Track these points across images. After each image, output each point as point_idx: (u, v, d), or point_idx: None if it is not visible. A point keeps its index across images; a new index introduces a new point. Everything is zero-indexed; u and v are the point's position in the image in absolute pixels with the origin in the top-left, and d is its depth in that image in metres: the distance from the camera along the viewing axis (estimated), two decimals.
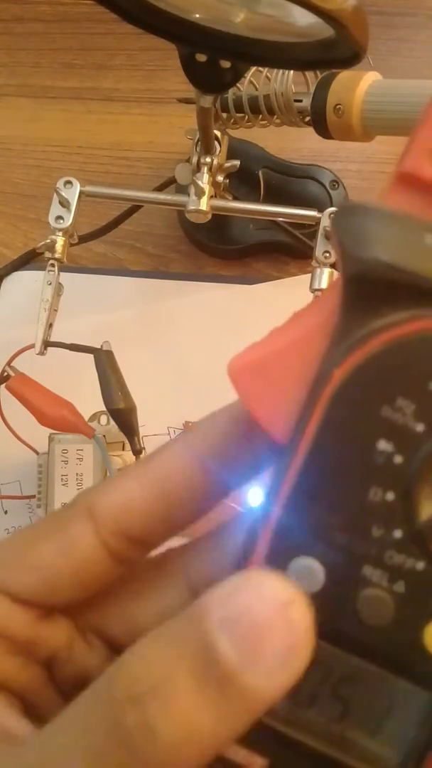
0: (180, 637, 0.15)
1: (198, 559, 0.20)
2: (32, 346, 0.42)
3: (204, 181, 0.43)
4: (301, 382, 0.17)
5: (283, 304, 0.52)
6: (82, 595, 0.19)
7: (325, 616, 0.16)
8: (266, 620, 0.15)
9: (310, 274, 0.42)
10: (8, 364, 0.43)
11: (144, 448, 0.46)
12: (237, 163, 0.46)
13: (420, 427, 0.16)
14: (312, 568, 0.17)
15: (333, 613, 0.17)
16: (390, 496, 0.16)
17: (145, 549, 0.20)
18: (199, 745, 0.15)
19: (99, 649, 0.20)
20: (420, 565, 0.16)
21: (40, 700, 0.19)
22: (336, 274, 0.43)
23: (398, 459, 0.16)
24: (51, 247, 0.43)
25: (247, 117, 0.46)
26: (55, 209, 0.43)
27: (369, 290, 0.16)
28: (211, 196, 0.43)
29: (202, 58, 0.33)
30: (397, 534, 0.16)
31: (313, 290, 0.42)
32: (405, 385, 0.16)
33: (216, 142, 0.44)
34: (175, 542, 0.20)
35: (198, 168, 0.43)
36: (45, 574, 0.18)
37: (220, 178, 0.45)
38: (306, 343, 0.17)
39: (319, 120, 0.42)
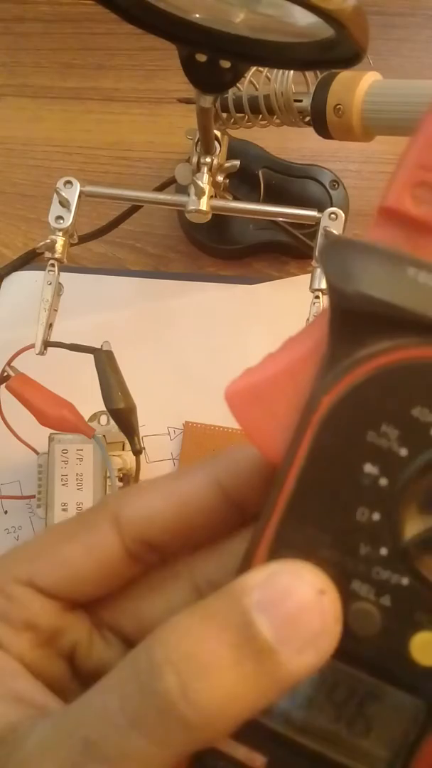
0: (218, 613, 0.17)
1: (204, 561, 0.21)
2: (32, 346, 0.42)
3: (204, 181, 0.43)
4: (293, 407, 0.18)
5: (283, 304, 0.52)
6: (102, 591, 0.21)
7: None
8: (303, 604, 0.16)
9: (310, 274, 0.42)
10: (8, 364, 0.43)
11: (144, 448, 0.46)
12: (237, 163, 0.46)
13: (404, 452, 0.17)
14: None
15: None
16: (376, 516, 0.17)
17: (163, 555, 0.21)
18: (232, 713, 0.16)
19: (115, 645, 0.21)
20: (405, 581, 0.17)
21: (65, 695, 0.20)
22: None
23: (383, 481, 0.17)
24: (51, 247, 0.43)
25: (247, 117, 0.46)
26: (55, 209, 0.43)
27: (354, 321, 0.17)
28: (211, 196, 0.43)
29: (202, 58, 0.33)
30: (383, 551, 0.17)
31: (313, 290, 0.42)
32: (389, 412, 0.17)
33: (216, 142, 0.44)
34: None
35: (198, 168, 0.43)
36: (71, 569, 0.20)
37: (220, 178, 0.45)
38: (297, 370, 0.18)
39: (319, 120, 0.42)
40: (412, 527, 0.17)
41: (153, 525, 0.20)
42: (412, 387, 0.17)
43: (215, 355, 0.50)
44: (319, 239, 0.42)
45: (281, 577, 0.17)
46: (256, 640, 0.16)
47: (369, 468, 0.17)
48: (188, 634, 0.16)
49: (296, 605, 0.16)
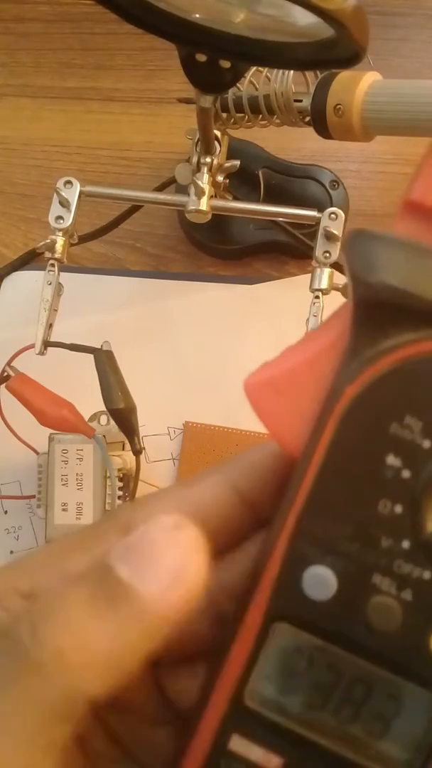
0: (83, 573, 0.17)
1: (219, 569, 0.20)
2: (32, 346, 0.42)
3: (204, 181, 0.43)
4: (314, 399, 0.18)
5: (283, 304, 0.52)
6: None
7: (337, 622, 0.17)
8: (156, 541, 0.16)
9: (310, 274, 0.42)
10: (8, 364, 0.43)
11: (144, 448, 0.46)
12: (237, 163, 0.46)
13: (427, 444, 0.17)
14: (325, 576, 0.18)
15: (345, 619, 0.17)
16: (398, 508, 0.17)
17: None
18: (92, 653, 0.16)
19: None
20: (427, 575, 0.17)
21: None
22: (336, 275, 0.43)
23: (406, 473, 0.17)
24: (51, 247, 0.43)
25: (247, 117, 0.46)
26: (55, 209, 0.43)
27: (378, 312, 0.17)
28: (211, 196, 0.43)
29: (202, 58, 0.33)
30: (405, 544, 0.17)
31: (313, 290, 0.42)
32: (413, 404, 0.17)
33: (216, 142, 0.44)
34: None
35: (198, 168, 0.43)
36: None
37: (220, 178, 0.45)
38: (318, 362, 0.18)
39: (319, 120, 0.42)
40: None
41: None
42: None
43: (215, 355, 0.50)
44: (319, 239, 0.42)
45: (139, 528, 0.17)
46: (111, 580, 0.16)
47: (392, 460, 0.17)
48: (51, 594, 0.16)
49: (149, 543, 0.16)
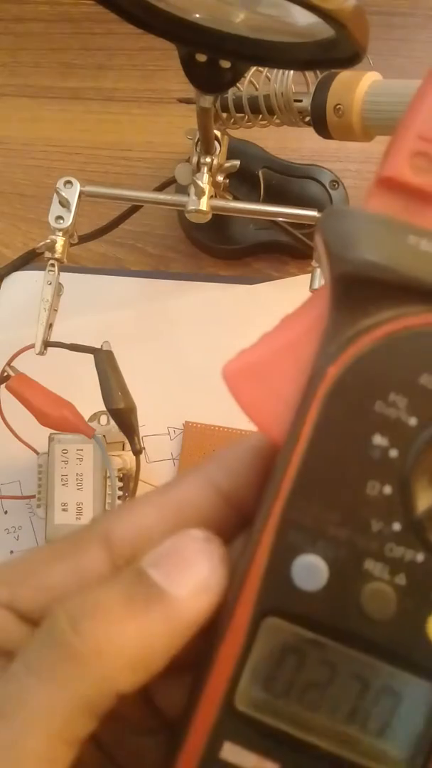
0: (116, 577, 0.18)
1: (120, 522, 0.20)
2: (32, 346, 0.42)
3: (204, 181, 0.43)
4: (295, 382, 0.17)
5: (283, 304, 0.52)
6: None
7: (330, 613, 0.17)
8: (189, 551, 0.18)
9: (310, 274, 0.42)
10: (8, 364, 0.43)
11: (144, 448, 0.46)
12: (237, 163, 0.46)
13: (413, 421, 0.16)
14: (315, 565, 0.17)
15: (338, 609, 0.17)
16: (387, 489, 0.17)
17: None
18: (127, 650, 0.16)
19: None
20: (420, 557, 0.16)
21: None
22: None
23: (393, 453, 0.17)
24: (51, 247, 0.43)
25: (247, 117, 0.46)
26: (55, 209, 0.43)
27: (356, 289, 0.17)
28: (211, 196, 0.43)
29: (202, 58, 0.33)
30: (396, 527, 0.17)
31: (313, 290, 0.42)
32: (396, 381, 0.17)
33: (216, 142, 0.44)
34: None
35: (198, 168, 0.43)
36: (55, 593, 0.19)
37: (220, 178, 0.45)
38: (297, 345, 0.18)
39: (319, 120, 0.42)
40: (425, 499, 0.17)
41: (147, 540, 0.19)
42: (420, 355, 0.17)
43: (215, 355, 0.50)
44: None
45: (170, 539, 0.18)
46: (146, 583, 0.17)
47: (378, 439, 0.17)
48: (86, 593, 0.17)
49: (183, 552, 0.17)
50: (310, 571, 0.17)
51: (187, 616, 0.17)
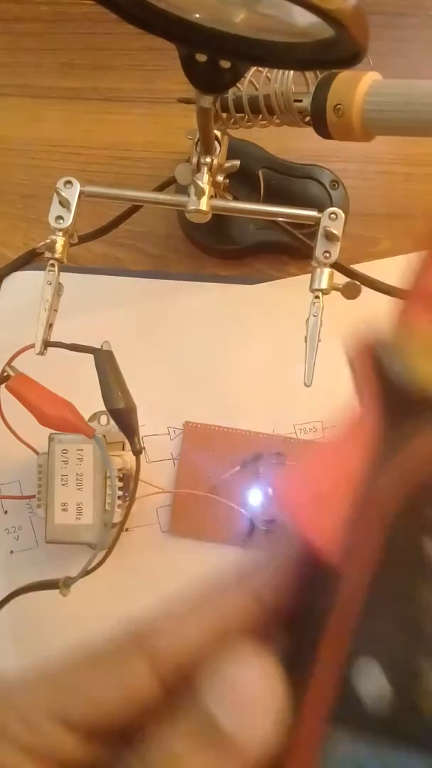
0: (179, 720, 0.18)
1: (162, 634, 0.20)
2: (32, 346, 0.42)
3: (204, 181, 0.43)
4: (352, 507, 0.18)
5: (283, 304, 0.52)
6: (133, 722, 0.20)
7: (388, 716, 0.17)
8: (254, 690, 0.17)
9: (310, 274, 0.42)
10: (8, 364, 0.43)
11: (144, 448, 0.46)
12: (237, 163, 0.46)
13: None
14: (372, 667, 0.17)
15: (395, 711, 0.17)
16: None
17: None
18: None
19: None
20: None
21: None
22: (336, 275, 0.43)
23: None
24: (51, 247, 0.43)
25: (247, 117, 0.46)
26: (55, 209, 0.43)
27: (409, 408, 0.18)
28: (211, 196, 0.43)
29: (202, 58, 0.33)
30: None
31: (313, 290, 0.42)
32: None
33: (216, 142, 0.44)
34: None
35: (198, 168, 0.43)
36: (106, 708, 0.19)
37: (220, 178, 0.45)
38: (356, 473, 0.18)
39: (319, 120, 0.42)
40: None
41: (191, 656, 0.19)
42: None
43: (215, 355, 0.50)
44: (319, 239, 0.42)
45: (230, 666, 0.18)
46: (215, 730, 0.17)
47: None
48: (153, 736, 0.18)
49: (248, 691, 0.17)
50: (368, 672, 0.17)
51: (257, 752, 0.17)
